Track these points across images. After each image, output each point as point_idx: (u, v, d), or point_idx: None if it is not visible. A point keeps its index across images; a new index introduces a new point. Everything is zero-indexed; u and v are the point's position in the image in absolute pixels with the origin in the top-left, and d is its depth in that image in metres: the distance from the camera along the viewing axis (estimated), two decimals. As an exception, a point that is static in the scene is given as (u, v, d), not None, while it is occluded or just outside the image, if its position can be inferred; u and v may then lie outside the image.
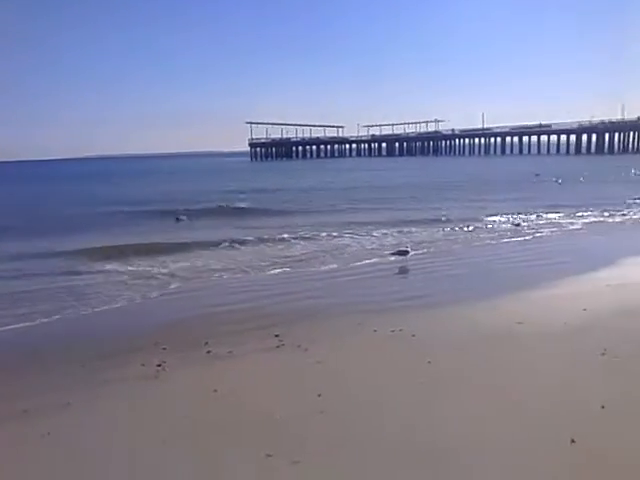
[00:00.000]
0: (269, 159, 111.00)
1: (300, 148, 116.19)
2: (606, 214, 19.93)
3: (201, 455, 4.40)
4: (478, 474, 3.98)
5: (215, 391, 5.60)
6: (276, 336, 7.30)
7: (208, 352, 6.84)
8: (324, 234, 16.57)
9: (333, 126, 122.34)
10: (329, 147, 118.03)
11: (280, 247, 14.95)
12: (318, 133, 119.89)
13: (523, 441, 4.40)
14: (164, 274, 11.86)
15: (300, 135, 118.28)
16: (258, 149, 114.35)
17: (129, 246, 14.66)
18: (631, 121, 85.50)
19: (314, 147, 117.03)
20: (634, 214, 19.86)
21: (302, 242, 15.54)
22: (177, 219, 21.87)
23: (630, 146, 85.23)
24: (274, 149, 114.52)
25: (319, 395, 5.37)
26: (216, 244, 15.12)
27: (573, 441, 4.29)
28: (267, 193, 32.71)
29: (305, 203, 26.67)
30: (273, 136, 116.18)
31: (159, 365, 6.43)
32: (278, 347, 6.94)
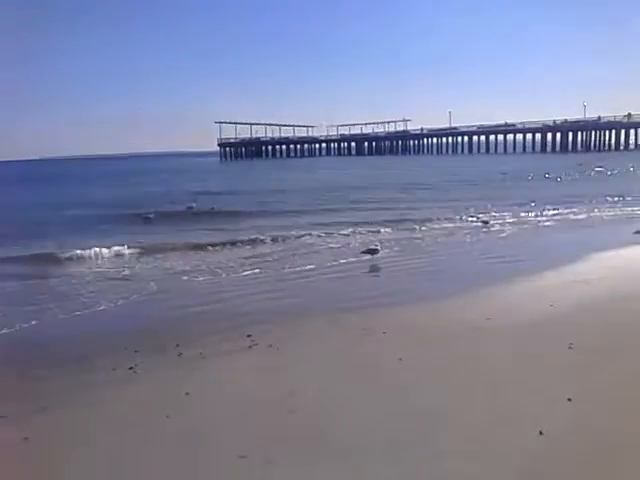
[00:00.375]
0: (239, 159, 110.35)
1: (270, 148, 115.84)
2: (571, 210, 20.38)
3: (174, 457, 4.36)
4: (449, 467, 4.03)
5: (187, 394, 5.54)
6: (248, 336, 7.26)
7: (180, 354, 6.78)
8: (294, 234, 16.54)
9: (303, 126, 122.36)
10: (299, 147, 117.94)
11: (250, 248, 14.89)
12: (288, 133, 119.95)
13: (493, 433, 4.48)
14: (133, 276, 11.72)
15: (270, 135, 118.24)
16: (228, 149, 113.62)
17: (98, 248, 14.38)
18: (592, 120, 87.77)
19: (284, 147, 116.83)
20: (598, 211, 20.36)
21: (272, 243, 15.50)
22: (145, 218, 21.69)
23: (592, 144, 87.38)
24: (244, 149, 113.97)
25: (291, 394, 5.37)
26: (185, 246, 14.96)
27: (541, 433, 4.38)
28: (237, 194, 32.45)
29: (275, 204, 26.56)
30: (242, 136, 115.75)
31: (131, 368, 6.35)
32: (250, 347, 6.92)
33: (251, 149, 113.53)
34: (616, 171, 40.01)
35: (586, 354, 6.05)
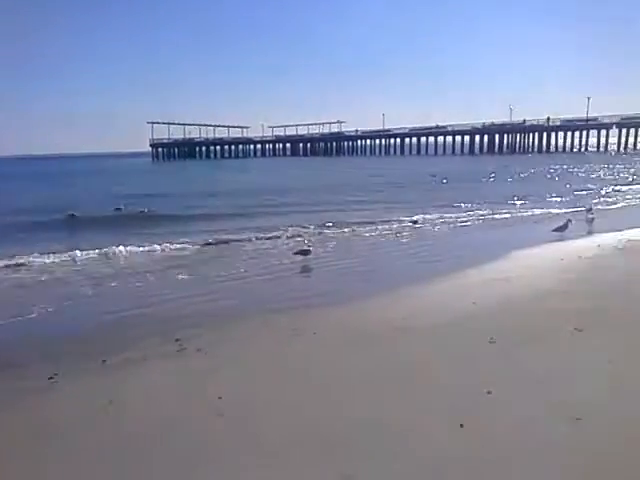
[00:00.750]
0: (172, 159, 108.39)
1: (204, 148, 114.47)
2: (494, 210, 21.19)
3: (97, 468, 4.24)
4: (378, 462, 4.11)
5: (111, 402, 5.40)
6: (176, 341, 7.15)
7: (104, 361, 6.57)
8: (225, 237, 16.38)
9: (237, 126, 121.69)
10: (234, 147, 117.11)
11: (180, 251, 14.61)
12: (222, 133, 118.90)
13: (416, 426, 4.62)
14: (55, 281, 11.29)
15: (204, 135, 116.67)
16: (160, 149, 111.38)
17: (18, 253, 13.74)
18: (518, 124, 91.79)
19: (218, 147, 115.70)
20: (518, 211, 21.28)
21: (203, 245, 15.29)
22: (71, 216, 21.27)
23: (517, 147, 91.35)
24: (176, 149, 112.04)
25: (220, 398, 5.33)
26: (112, 249, 14.46)
27: (462, 426, 4.55)
28: (168, 197, 31.66)
29: (206, 207, 26.07)
30: (176, 136, 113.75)
31: (51, 378, 6.11)
32: (179, 352, 6.81)
33: (184, 150, 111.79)
34: (533, 171, 42.07)
35: (505, 349, 6.30)
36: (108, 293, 10.35)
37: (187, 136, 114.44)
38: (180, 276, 11.54)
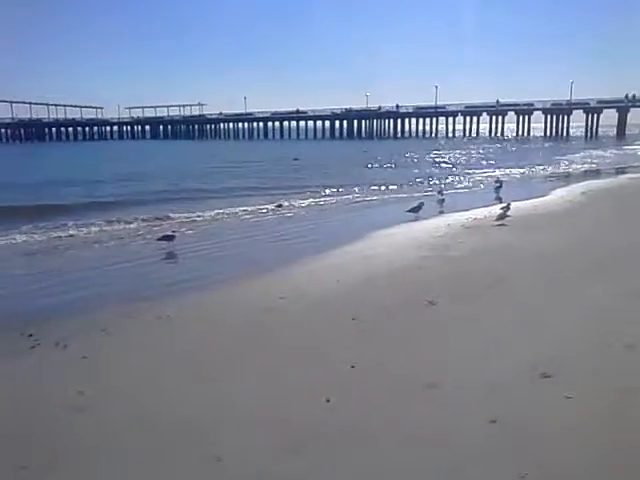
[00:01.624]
0: (16, 142, 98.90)
1: (54, 130, 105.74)
2: (354, 193, 22.04)
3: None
4: (247, 443, 4.17)
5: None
6: (30, 336, 6.64)
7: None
8: (79, 225, 15.33)
9: (91, 107, 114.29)
10: (88, 129, 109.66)
11: (33, 242, 13.50)
12: (75, 114, 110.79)
13: (283, 403, 4.77)
14: None
15: (54, 116, 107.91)
16: (3, 130, 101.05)
17: None
18: (374, 110, 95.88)
19: (70, 129, 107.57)
20: (376, 194, 22.35)
21: (61, 237, 14.19)
22: None
23: (374, 132, 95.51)
24: (22, 130, 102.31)
25: (80, 392, 5.08)
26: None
27: (328, 400, 4.75)
28: (10, 186, 28.42)
29: (56, 196, 23.81)
30: (21, 116, 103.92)
31: None
32: (33, 347, 6.34)
33: (31, 131, 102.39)
34: (391, 156, 44.30)
35: (367, 324, 6.64)
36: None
37: (34, 116, 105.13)
38: (31, 267, 10.70)
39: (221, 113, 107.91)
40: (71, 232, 14.39)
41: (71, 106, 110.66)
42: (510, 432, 4.18)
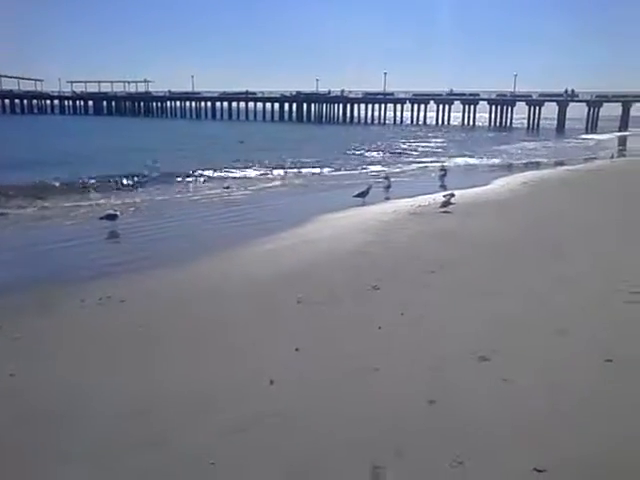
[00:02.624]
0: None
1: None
2: (303, 177, 22.03)
3: None
4: (191, 426, 4.14)
5: None
6: (-39, 317, 6.36)
7: None
8: (19, 204, 14.72)
9: (30, 79, 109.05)
10: (26, 102, 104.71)
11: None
12: (11, 85, 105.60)
13: (227, 386, 4.75)
14: None
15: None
16: None
17: None
18: (323, 94, 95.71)
19: (7, 101, 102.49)
20: (325, 178, 22.40)
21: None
22: None
23: (323, 116, 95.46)
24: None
25: (11, 375, 4.91)
26: None
27: (272, 382, 4.76)
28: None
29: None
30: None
31: None
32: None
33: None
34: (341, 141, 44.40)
35: (312, 307, 6.68)
36: None
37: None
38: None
39: (169, 91, 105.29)
40: (7, 210, 13.80)
41: (7, 77, 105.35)
42: (448, 413, 4.31)
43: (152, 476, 3.64)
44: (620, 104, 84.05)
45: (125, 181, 18.86)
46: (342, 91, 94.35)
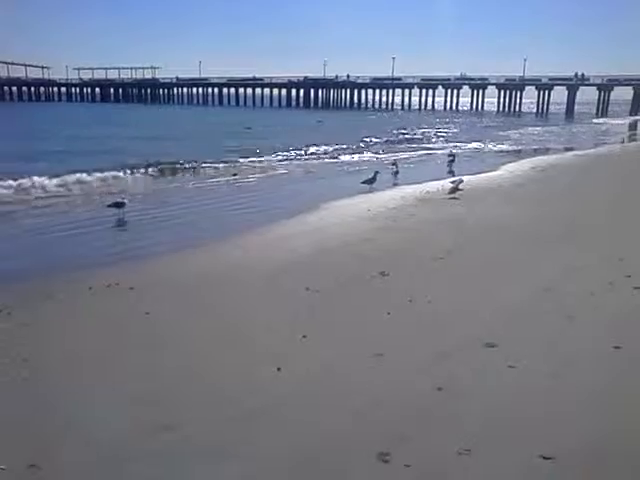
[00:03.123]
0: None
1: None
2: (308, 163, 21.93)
3: None
4: (199, 412, 4.17)
5: None
6: (-28, 304, 6.41)
7: None
8: (25, 185, 14.78)
9: (37, 66, 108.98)
10: (33, 90, 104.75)
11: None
12: (19, 72, 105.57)
13: (236, 373, 4.78)
14: None
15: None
16: None
17: None
18: (330, 79, 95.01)
19: (14, 89, 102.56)
20: (329, 163, 22.32)
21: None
22: None
23: (331, 102, 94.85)
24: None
25: (25, 360, 4.96)
26: None
27: (279, 369, 4.79)
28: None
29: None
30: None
31: None
32: (-26, 315, 6.13)
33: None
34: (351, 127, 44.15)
35: (320, 294, 6.69)
36: None
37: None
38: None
39: (176, 78, 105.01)
40: (17, 196, 13.88)
41: (14, 64, 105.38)
42: (455, 400, 4.31)
43: (162, 460, 3.67)
44: (631, 88, 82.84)
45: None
46: (347, 76, 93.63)
